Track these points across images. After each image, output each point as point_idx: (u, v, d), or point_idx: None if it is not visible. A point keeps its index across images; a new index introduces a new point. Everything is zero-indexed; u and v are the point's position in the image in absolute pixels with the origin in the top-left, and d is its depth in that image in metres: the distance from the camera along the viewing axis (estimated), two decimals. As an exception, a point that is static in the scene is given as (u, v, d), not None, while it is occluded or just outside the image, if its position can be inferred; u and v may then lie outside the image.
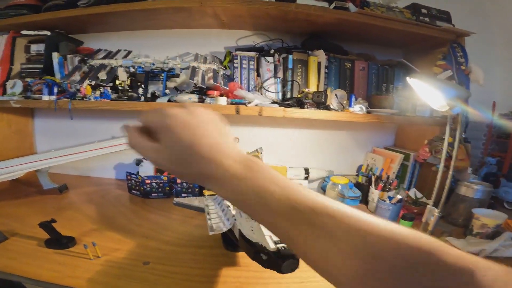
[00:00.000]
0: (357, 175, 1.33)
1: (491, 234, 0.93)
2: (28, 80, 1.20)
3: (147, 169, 1.27)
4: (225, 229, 0.63)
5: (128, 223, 0.96)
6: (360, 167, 1.41)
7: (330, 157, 1.45)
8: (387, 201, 1.01)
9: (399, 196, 1.00)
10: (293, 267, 0.49)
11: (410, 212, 1.07)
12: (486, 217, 0.94)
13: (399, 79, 1.32)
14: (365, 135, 1.45)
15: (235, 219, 0.63)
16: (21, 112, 1.34)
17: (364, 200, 1.22)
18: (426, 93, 0.72)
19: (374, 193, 1.14)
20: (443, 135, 1.25)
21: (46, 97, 1.11)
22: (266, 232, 0.53)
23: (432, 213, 0.71)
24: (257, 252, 0.52)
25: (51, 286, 0.64)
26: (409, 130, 1.41)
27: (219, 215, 0.70)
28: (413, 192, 1.18)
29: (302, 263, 0.74)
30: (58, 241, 0.77)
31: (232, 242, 0.84)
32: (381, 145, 1.45)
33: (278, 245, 0.50)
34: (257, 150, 0.75)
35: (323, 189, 1.33)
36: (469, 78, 1.18)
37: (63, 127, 1.37)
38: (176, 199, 0.85)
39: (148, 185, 1.18)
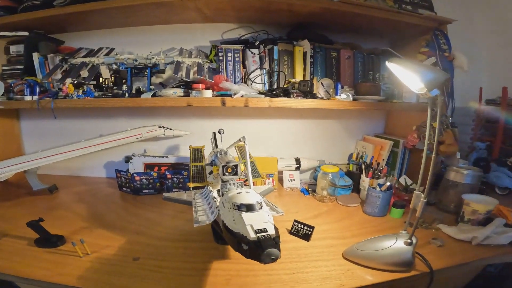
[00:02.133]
0: (348, 164, 1.34)
1: (483, 221, 0.92)
2: (10, 81, 1.19)
3: (136, 166, 1.27)
4: (208, 222, 0.63)
5: (119, 220, 0.96)
6: (350, 156, 1.42)
7: (321, 147, 1.45)
8: (377, 189, 1.01)
9: (388, 183, 1.00)
10: (273, 257, 0.47)
11: (401, 199, 1.08)
12: (477, 203, 0.93)
13: (385, 67, 1.32)
14: (355, 123, 1.45)
15: (218, 210, 0.63)
16: (6, 114, 1.32)
17: (356, 189, 1.22)
18: (405, 76, 0.71)
19: (365, 181, 1.14)
20: (432, 120, 1.26)
21: (28, 98, 1.10)
22: (247, 221, 0.52)
23: (419, 199, 0.71)
24: (239, 243, 0.51)
25: (42, 284, 0.64)
26: (398, 117, 1.42)
27: (204, 208, 0.70)
28: (404, 179, 1.18)
29: (282, 254, 0.75)
30: (48, 240, 0.77)
31: (222, 235, 0.85)
32: (371, 133, 1.46)
33: (258, 235, 0.49)
34: (239, 140, 0.75)
35: (314, 179, 1.34)
36: (453, 64, 1.18)
37: (50, 128, 1.36)
38: (166, 194, 0.85)
39: (138, 182, 1.18)
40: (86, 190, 1.25)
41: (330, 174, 1.12)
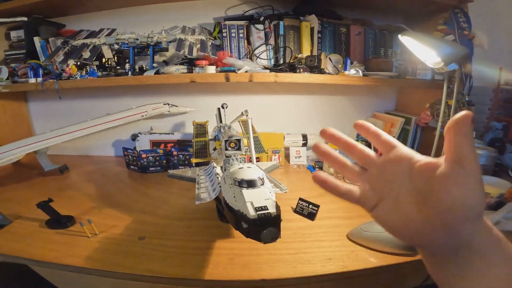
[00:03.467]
0: (357, 141, 1.29)
1: (494, 205, 0.86)
2: (13, 65, 1.20)
3: (143, 143, 1.27)
4: (209, 199, 0.62)
5: (126, 199, 0.97)
6: (359, 133, 1.38)
7: (329, 123, 1.38)
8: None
9: None
10: (273, 236, 0.45)
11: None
12: (489, 185, 0.88)
13: (398, 44, 1.26)
14: (364, 100, 1.40)
15: (220, 187, 0.62)
16: (14, 97, 1.34)
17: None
18: (420, 51, 0.67)
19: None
20: (446, 98, 1.20)
21: (32, 80, 1.11)
22: (247, 198, 0.50)
23: None
24: (239, 221, 0.49)
25: (53, 266, 0.65)
26: (410, 94, 1.36)
27: (206, 186, 0.69)
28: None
29: (286, 233, 0.72)
30: (58, 221, 0.78)
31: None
32: (381, 110, 1.40)
33: (258, 213, 0.46)
34: (242, 113, 0.72)
35: None
36: (473, 42, 1.11)
37: (58, 109, 1.37)
38: (171, 171, 0.84)
39: (145, 160, 1.19)
40: (96, 170, 1.27)
41: (338, 151, 1.09)
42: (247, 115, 0.69)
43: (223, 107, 0.79)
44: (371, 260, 0.67)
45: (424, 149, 1.23)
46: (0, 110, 1.28)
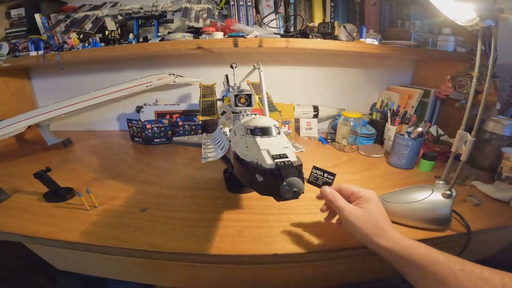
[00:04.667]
0: (370, 114, 1.23)
1: None
2: (14, 41, 1.17)
3: (147, 115, 1.23)
4: (218, 157, 0.57)
5: (130, 171, 0.93)
6: (373, 105, 1.30)
7: (341, 96, 1.35)
8: (406, 136, 0.91)
9: (419, 129, 0.89)
10: (296, 190, 0.35)
11: (431, 151, 0.97)
12: None
13: (417, 16, 1.18)
14: (379, 72, 1.33)
15: (229, 141, 0.57)
16: (16, 74, 1.31)
17: (379, 139, 1.12)
18: (450, 8, 0.59)
19: (391, 130, 1.04)
20: (469, 70, 1.12)
21: (33, 53, 1.08)
22: (262, 146, 0.42)
23: (464, 139, 0.59)
24: (252, 174, 0.40)
25: (46, 242, 0.61)
26: (428, 67, 1.28)
27: (213, 146, 0.63)
28: (434, 129, 1.07)
29: (300, 204, 0.66)
30: (56, 193, 0.74)
31: (235, 183, 0.78)
32: (396, 84, 1.33)
33: (277, 161, 0.38)
34: (254, 67, 0.67)
35: (333, 128, 1.24)
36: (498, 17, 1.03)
37: (62, 84, 1.34)
38: (175, 138, 0.80)
39: (149, 131, 1.15)
40: (99, 143, 1.24)
41: (352, 120, 1.03)
42: (258, 68, 0.63)
43: (232, 67, 0.73)
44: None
45: (443, 122, 1.17)
46: (3, 87, 1.25)
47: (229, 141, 0.57)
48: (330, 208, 0.58)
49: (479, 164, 0.97)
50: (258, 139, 0.45)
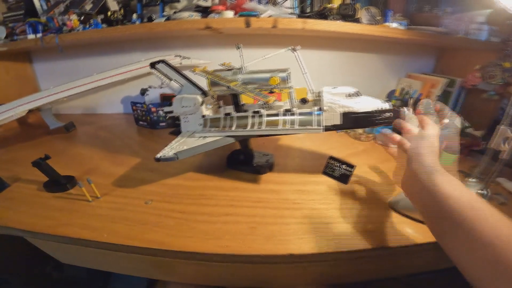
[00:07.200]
0: (388, 100, 1.15)
1: None
2: (11, 25, 1.15)
3: (153, 98, 1.19)
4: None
5: (134, 157, 0.88)
6: (391, 93, 1.22)
7: (356, 82, 1.24)
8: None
9: (446, 120, 0.81)
10: None
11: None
12: None
13: (448, 2, 1.09)
14: (398, 59, 1.24)
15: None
16: (17, 58, 1.27)
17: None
18: None
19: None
20: (500, 60, 1.04)
21: (31, 36, 1.05)
22: None
23: (505, 136, 0.52)
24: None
25: (45, 237, 0.57)
26: (454, 56, 1.19)
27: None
28: (459, 121, 0.99)
29: (316, 198, 0.63)
30: (57, 183, 0.69)
31: (237, 160, 0.77)
32: (416, 71, 1.25)
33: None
34: (291, 49, 0.63)
35: None
36: None
37: (64, 68, 1.30)
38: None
39: (154, 114, 1.10)
40: (103, 127, 1.20)
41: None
42: (295, 50, 0.61)
43: (238, 48, 0.68)
44: (417, 235, 0.54)
45: (468, 112, 1.09)
46: (3, 71, 1.22)
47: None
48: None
49: (504, 159, 0.90)
50: None
